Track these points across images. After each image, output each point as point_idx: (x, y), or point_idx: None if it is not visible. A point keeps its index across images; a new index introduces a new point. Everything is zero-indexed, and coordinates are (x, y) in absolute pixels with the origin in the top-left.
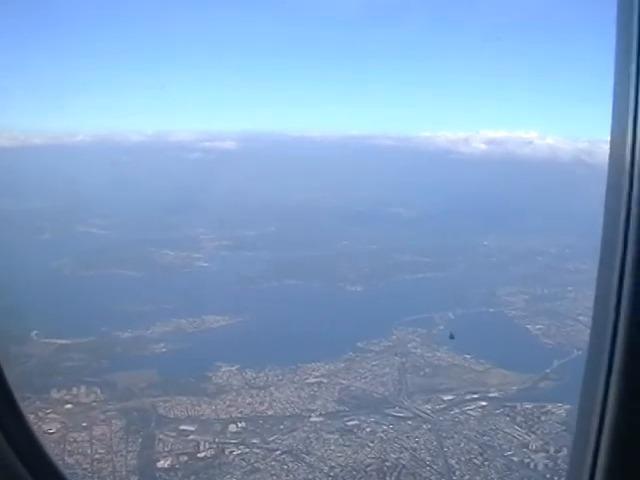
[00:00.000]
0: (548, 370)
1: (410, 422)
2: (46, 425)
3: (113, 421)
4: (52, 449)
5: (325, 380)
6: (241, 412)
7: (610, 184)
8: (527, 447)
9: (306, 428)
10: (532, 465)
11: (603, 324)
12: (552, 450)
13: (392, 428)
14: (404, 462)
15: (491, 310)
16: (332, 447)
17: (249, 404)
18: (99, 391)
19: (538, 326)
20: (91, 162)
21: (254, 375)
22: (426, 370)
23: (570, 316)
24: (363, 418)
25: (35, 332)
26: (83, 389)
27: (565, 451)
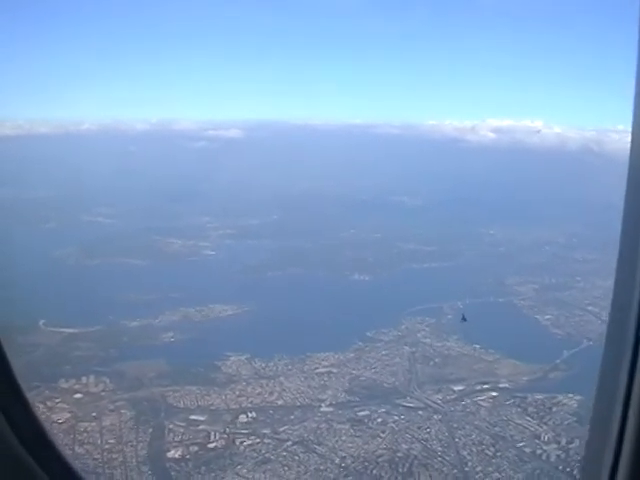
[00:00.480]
0: (558, 361)
1: (421, 412)
2: (55, 415)
3: (122, 411)
4: (61, 439)
5: (335, 370)
6: (251, 402)
7: (631, 179)
8: (539, 438)
9: (317, 418)
10: (544, 456)
11: (623, 320)
12: (564, 441)
13: (403, 419)
14: (416, 453)
15: (500, 300)
16: (343, 438)
17: (259, 394)
18: (108, 381)
19: (547, 316)
20: (96, 151)
21: (263, 365)
22: (436, 360)
23: (579, 306)
24: (374, 408)
25: (42, 321)
26: (92, 379)
27: (577, 442)
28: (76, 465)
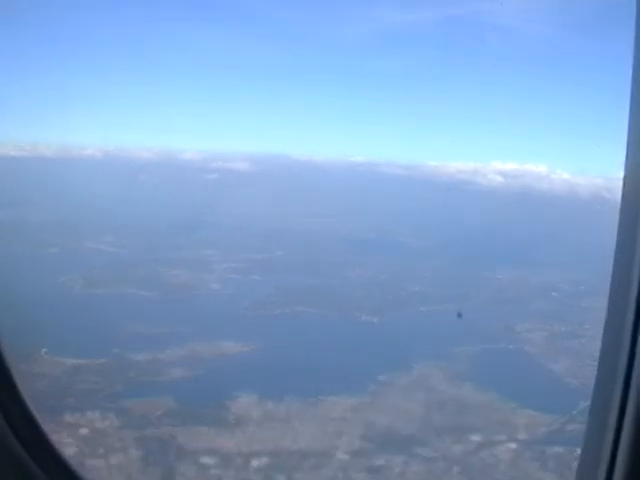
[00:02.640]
0: (574, 412)
1: (441, 464)
2: (62, 449)
3: (130, 450)
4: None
5: (349, 415)
6: (263, 446)
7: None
8: None
9: (333, 466)
10: None
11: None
12: None
13: (422, 469)
14: None
15: (511, 347)
16: None
17: (271, 438)
18: (114, 417)
19: (559, 365)
20: (101, 177)
21: (274, 407)
22: (451, 407)
23: (590, 355)
24: (391, 457)
25: (44, 350)
26: (97, 414)
27: None
28: (74, 465)
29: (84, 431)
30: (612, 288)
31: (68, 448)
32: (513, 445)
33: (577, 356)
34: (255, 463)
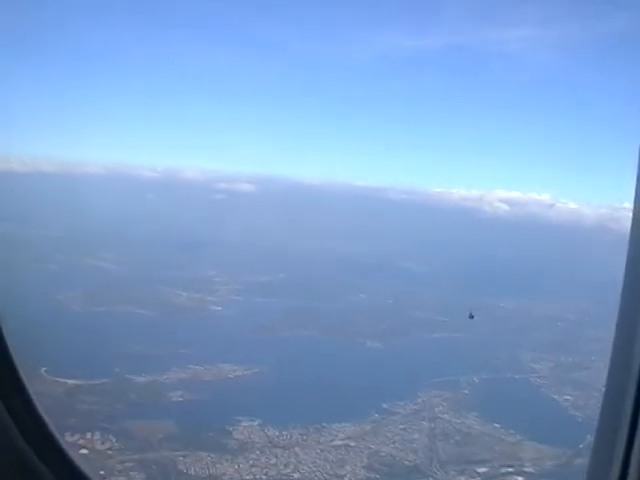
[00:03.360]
0: (581, 446)
1: None
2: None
3: (132, 473)
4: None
5: (352, 443)
6: (265, 473)
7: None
8: None
9: None
10: None
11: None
12: None
13: None
14: None
15: (516, 377)
16: None
17: (273, 465)
18: (114, 439)
19: (565, 397)
20: (102, 194)
21: (277, 433)
22: (456, 438)
23: (596, 387)
24: None
25: (44, 369)
26: (98, 435)
27: None
28: (81, 463)
29: (84, 452)
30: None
31: None
32: (520, 478)
33: (583, 388)
34: None
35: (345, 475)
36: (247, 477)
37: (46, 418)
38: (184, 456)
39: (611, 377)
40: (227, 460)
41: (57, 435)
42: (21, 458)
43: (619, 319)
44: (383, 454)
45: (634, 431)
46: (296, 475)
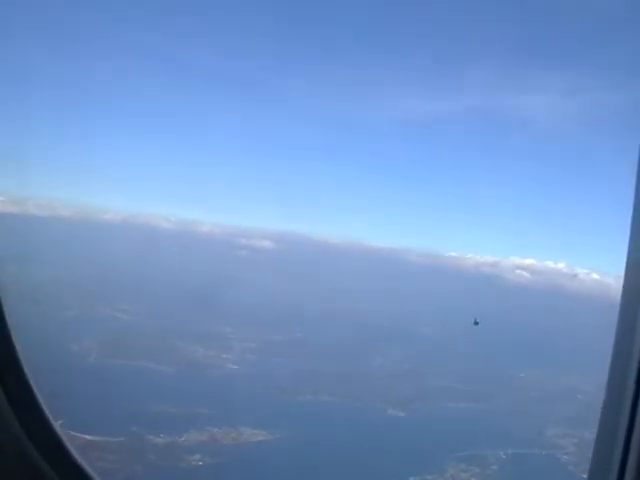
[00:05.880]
0: None
1: None
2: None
3: None
4: None
5: None
6: None
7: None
8: None
9: None
10: None
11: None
12: None
13: None
14: None
15: (543, 452)
16: None
17: None
18: None
19: None
20: (118, 243)
21: None
22: None
23: None
24: None
25: (61, 422)
26: None
27: None
28: (84, 465)
29: None
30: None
31: None
32: None
33: None
34: None
35: None
36: None
37: (50, 416)
38: None
39: (610, 383)
40: None
41: (61, 434)
42: (27, 459)
43: (619, 322)
44: None
45: (630, 434)
46: None
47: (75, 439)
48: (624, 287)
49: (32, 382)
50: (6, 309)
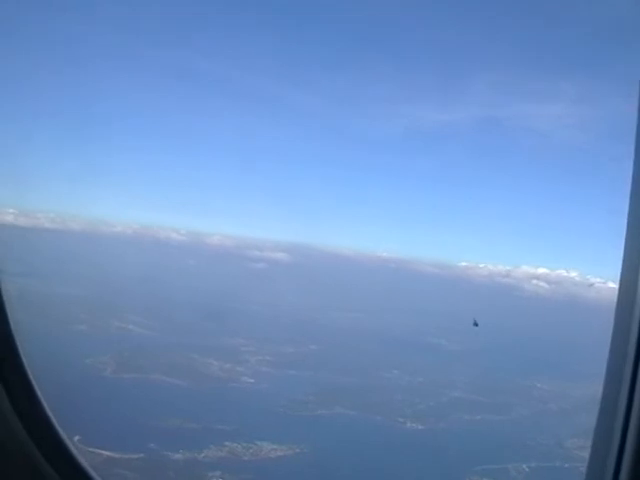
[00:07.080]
0: None
1: None
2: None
3: None
4: None
5: None
6: None
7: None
8: None
9: None
10: None
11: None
12: None
13: None
14: None
15: (566, 465)
16: None
17: None
18: None
19: None
20: (130, 255)
21: None
22: None
23: None
24: None
25: (77, 437)
26: None
27: None
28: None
29: None
30: (616, 322)
31: None
32: None
33: None
34: None
35: None
36: None
37: (51, 415)
38: None
39: (607, 384)
40: None
41: (63, 434)
42: (29, 461)
43: (615, 322)
44: None
45: (625, 433)
46: None
47: (94, 455)
48: (619, 290)
49: (36, 387)
50: (12, 319)
